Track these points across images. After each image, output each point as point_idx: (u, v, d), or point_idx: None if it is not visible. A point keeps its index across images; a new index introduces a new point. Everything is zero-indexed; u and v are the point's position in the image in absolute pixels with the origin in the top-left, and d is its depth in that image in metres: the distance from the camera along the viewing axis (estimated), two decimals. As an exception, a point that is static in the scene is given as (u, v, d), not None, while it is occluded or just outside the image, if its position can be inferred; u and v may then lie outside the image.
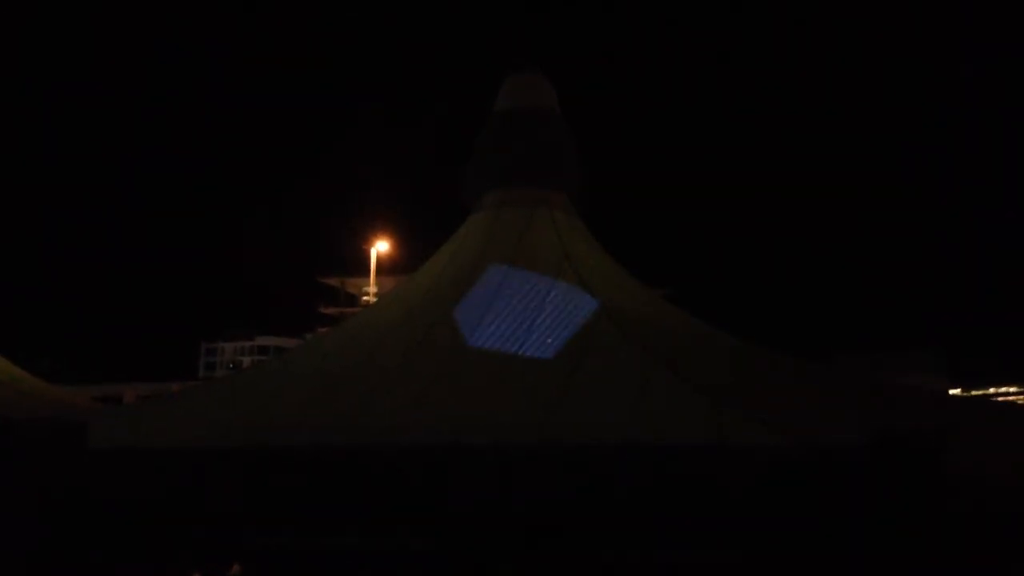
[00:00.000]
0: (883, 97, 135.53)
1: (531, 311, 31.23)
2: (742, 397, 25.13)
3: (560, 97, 37.41)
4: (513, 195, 35.15)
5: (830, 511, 16.35)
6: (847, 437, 18.56)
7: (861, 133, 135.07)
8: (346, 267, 74.21)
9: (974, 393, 68.29)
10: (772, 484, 17.37)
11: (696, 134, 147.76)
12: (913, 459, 15.97)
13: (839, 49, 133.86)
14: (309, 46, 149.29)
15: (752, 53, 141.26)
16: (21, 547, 17.64)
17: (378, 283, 63.12)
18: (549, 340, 30.13)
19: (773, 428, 22.64)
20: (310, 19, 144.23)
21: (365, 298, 72.58)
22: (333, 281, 79.33)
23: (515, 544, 17.15)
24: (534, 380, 28.63)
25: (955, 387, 62.24)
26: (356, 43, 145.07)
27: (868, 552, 15.47)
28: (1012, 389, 71.48)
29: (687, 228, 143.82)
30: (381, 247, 58.75)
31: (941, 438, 16.06)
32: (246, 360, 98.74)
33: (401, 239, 63.42)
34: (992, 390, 71.50)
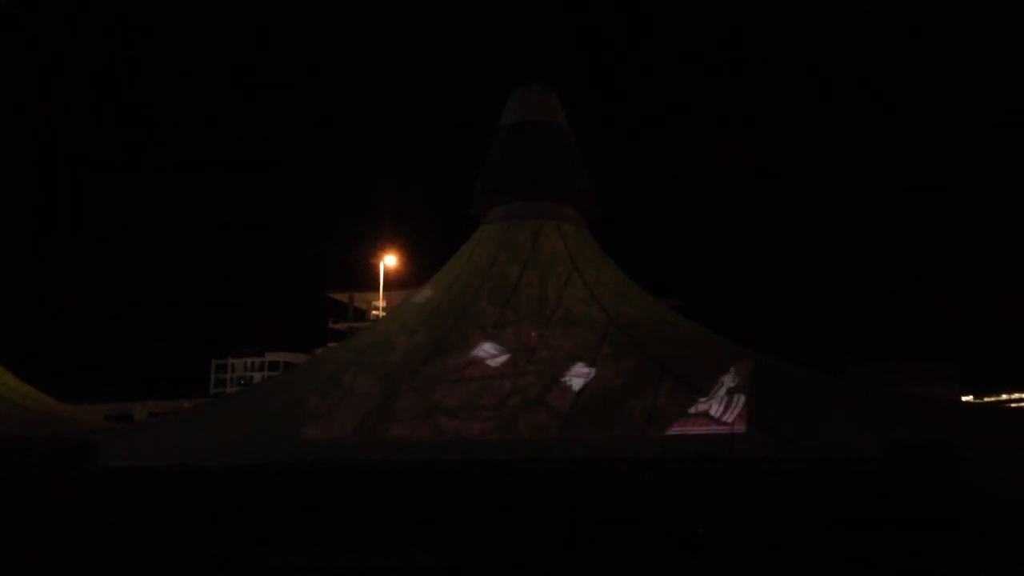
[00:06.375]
0: (896, 107, 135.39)
1: (541, 324, 31.23)
2: (754, 408, 25.07)
3: (568, 109, 37.47)
4: (522, 208, 35.18)
5: (842, 522, 16.26)
6: (859, 447, 18.50)
7: (873, 144, 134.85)
8: (355, 282, 74.21)
9: (986, 400, 67.84)
10: (783, 495, 17.29)
11: (707, 143, 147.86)
12: (926, 470, 15.90)
13: (854, 55, 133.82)
14: (318, 61, 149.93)
15: (765, 59, 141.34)
16: (32, 565, 17.67)
17: (386, 297, 63.17)
18: (559, 353, 30.10)
19: (784, 440, 22.59)
20: (319, 33, 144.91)
21: (374, 312, 72.60)
22: (342, 296, 79.35)
23: (524, 557, 17.10)
24: (543, 393, 28.61)
25: (967, 394, 61.83)
26: (365, 58, 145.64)
27: (881, 562, 15.38)
28: (1025, 395, 71.02)
29: (699, 239, 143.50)
30: (389, 261, 58.78)
31: (953, 449, 15.99)
32: (256, 376, 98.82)
33: (409, 253, 63.43)
34: (1004, 397, 71.06)
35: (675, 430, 25.98)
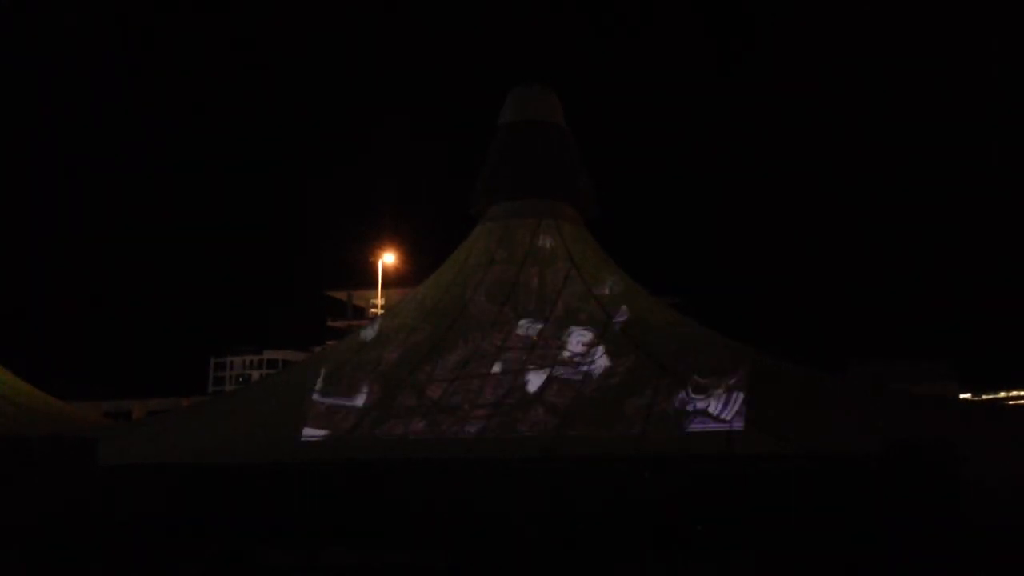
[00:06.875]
0: (892, 105, 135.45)
1: (540, 322, 31.20)
2: (753, 407, 25.06)
3: (566, 107, 37.43)
4: (521, 206, 35.14)
5: (842, 521, 16.25)
6: (859, 446, 18.49)
7: (871, 141, 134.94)
8: (353, 280, 74.13)
9: (984, 397, 67.75)
10: (783, 495, 17.28)
11: (707, 141, 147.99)
12: (926, 469, 15.88)
13: (854, 53, 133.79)
14: (318, 60, 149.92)
15: (763, 57, 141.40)
16: (32, 564, 17.63)
17: (385, 295, 62.99)
18: (558, 350, 30.08)
19: (784, 439, 22.59)
20: (319, 33, 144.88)
21: (372, 310, 72.55)
22: (340, 294, 79.28)
23: (524, 557, 17.09)
24: (542, 391, 28.59)
25: (965, 392, 61.80)
26: (365, 58, 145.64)
27: (882, 562, 15.38)
28: (1023, 393, 70.82)
29: (698, 237, 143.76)
30: (388, 259, 58.52)
31: (953, 448, 15.97)
32: (255, 374, 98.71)
33: (407, 251, 63.31)
34: (1003, 394, 70.92)
35: (674, 428, 25.99)
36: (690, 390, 26.88)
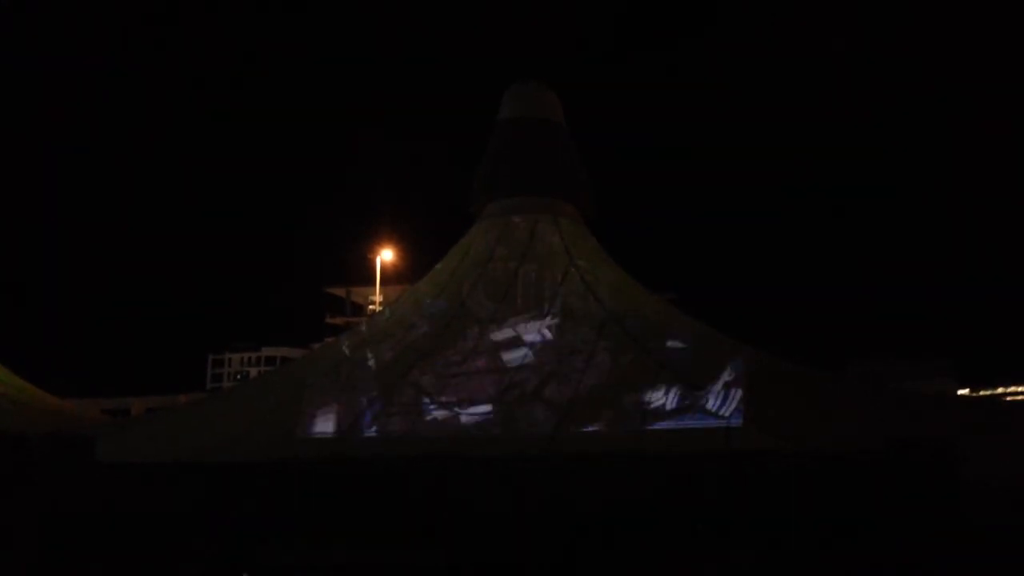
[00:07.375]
0: (890, 103, 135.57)
1: (538, 318, 31.19)
2: (752, 406, 25.06)
3: (565, 105, 37.35)
4: (519, 203, 35.10)
5: (842, 520, 16.25)
6: (859, 445, 18.50)
7: (869, 138, 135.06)
8: (352, 277, 73.89)
9: (983, 393, 67.65)
10: (782, 493, 17.28)
11: (705, 138, 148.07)
12: (926, 468, 15.89)
13: (852, 50, 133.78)
14: (317, 57, 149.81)
15: (759, 51, 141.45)
16: (29, 563, 17.62)
17: (383, 292, 62.89)
18: (555, 347, 30.07)
19: (783, 438, 22.59)
20: (318, 30, 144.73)
21: (371, 307, 72.40)
22: (339, 291, 79.04)
23: (524, 557, 17.08)
24: (541, 388, 28.59)
25: (963, 388, 61.78)
26: (363, 54, 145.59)
27: (881, 561, 15.39)
28: (1021, 389, 70.67)
29: (696, 234, 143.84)
30: (386, 256, 58.42)
31: (954, 447, 15.97)
32: (253, 371, 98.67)
33: (406, 248, 63.16)
34: (1000, 390, 70.80)
35: (672, 425, 26.01)
36: (689, 388, 26.90)
